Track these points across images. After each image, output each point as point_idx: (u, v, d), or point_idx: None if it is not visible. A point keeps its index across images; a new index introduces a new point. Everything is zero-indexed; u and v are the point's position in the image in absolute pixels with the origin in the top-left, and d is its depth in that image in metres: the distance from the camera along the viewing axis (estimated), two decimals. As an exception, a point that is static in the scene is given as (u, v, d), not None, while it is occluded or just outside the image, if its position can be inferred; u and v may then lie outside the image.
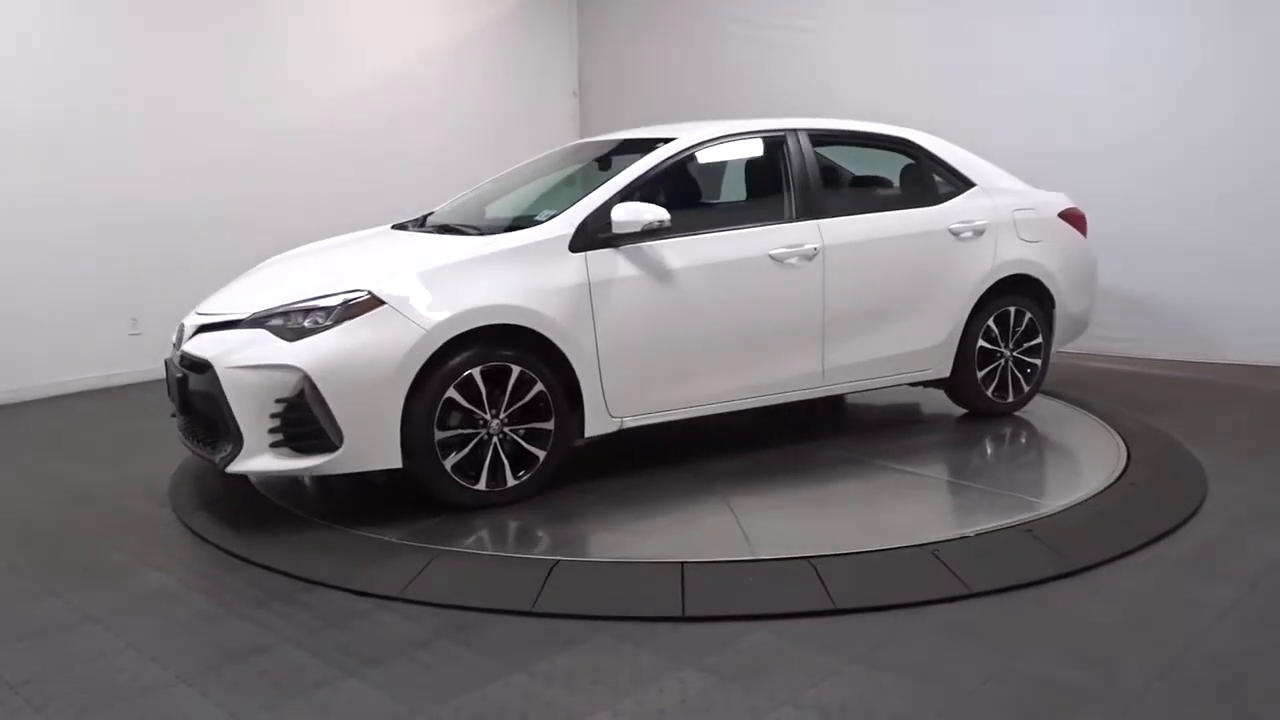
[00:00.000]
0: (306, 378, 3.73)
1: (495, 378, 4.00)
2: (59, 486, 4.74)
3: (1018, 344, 5.31)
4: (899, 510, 4.10)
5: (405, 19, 8.98)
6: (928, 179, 5.29)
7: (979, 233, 5.12)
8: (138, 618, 3.25)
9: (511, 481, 4.08)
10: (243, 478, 4.49)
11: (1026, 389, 5.40)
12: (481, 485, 4.03)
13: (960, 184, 5.26)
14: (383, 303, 3.86)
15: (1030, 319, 5.31)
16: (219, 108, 7.60)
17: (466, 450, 3.98)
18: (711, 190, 5.51)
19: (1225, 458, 4.69)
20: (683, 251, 4.41)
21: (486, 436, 4.02)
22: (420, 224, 5.02)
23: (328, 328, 3.81)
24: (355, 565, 3.56)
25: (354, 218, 6.17)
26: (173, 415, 4.32)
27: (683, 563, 3.42)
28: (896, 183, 5.41)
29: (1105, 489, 4.20)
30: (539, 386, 4.07)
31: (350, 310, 3.84)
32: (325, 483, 4.50)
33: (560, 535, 3.89)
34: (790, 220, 4.72)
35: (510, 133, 9.55)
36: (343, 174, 8.35)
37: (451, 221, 4.85)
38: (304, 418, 3.78)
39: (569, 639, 3.02)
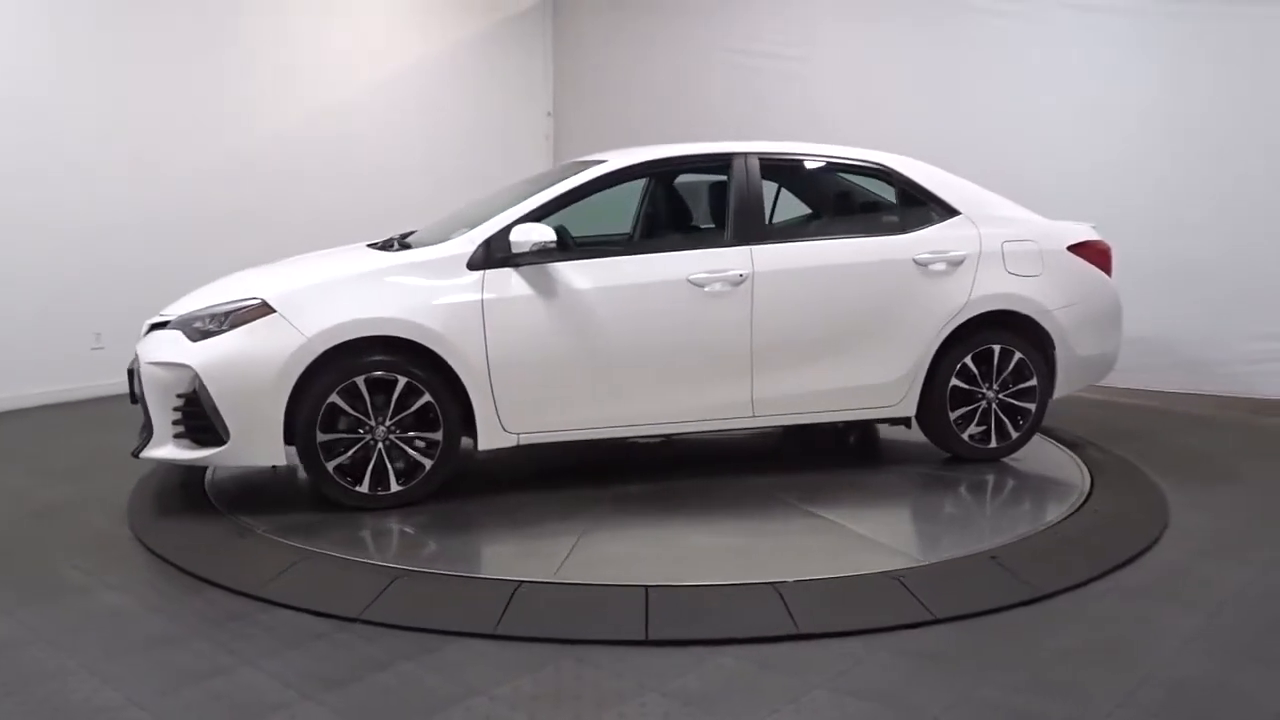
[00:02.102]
0: (197, 376, 4.06)
1: (385, 387, 4.19)
2: (15, 501, 4.64)
3: (1006, 386, 4.89)
4: (861, 535, 4.10)
5: (382, 36, 8.97)
6: (901, 206, 5.03)
7: (954, 264, 4.79)
8: (92, 637, 3.19)
9: (395, 487, 4.26)
10: (202, 494, 4.56)
11: (1014, 435, 4.96)
12: (364, 488, 4.23)
13: (942, 212, 4.93)
14: (273, 310, 4.14)
15: (1021, 360, 4.88)
16: (189, 124, 7.53)
17: (350, 453, 4.19)
18: (645, 214, 5.51)
19: (1189, 486, 4.74)
20: (591, 273, 4.43)
21: (372, 442, 4.20)
22: (400, 241, 4.97)
23: (222, 331, 4.14)
24: (316, 585, 3.51)
25: (326, 235, 6.14)
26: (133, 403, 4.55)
27: (647, 586, 3.40)
28: (862, 209, 5.31)
29: (1068, 516, 4.24)
30: (426, 397, 4.21)
31: (244, 316, 4.15)
32: (287, 501, 4.45)
33: (524, 557, 3.85)
34: (724, 245, 4.61)
35: (483, 151, 9.55)
36: (315, 191, 8.30)
37: (423, 240, 4.83)
38: (198, 412, 4.13)
39: (531, 662, 2.99)
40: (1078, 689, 2.83)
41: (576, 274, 4.41)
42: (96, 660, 3.02)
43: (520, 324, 4.32)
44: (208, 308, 4.28)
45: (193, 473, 4.87)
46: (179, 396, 4.15)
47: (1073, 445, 5.35)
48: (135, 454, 4.28)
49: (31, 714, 2.71)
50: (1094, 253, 5.12)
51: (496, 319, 4.28)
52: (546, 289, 4.36)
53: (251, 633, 3.20)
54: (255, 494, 4.57)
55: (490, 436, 4.35)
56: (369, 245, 5.02)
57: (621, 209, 5.60)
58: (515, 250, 4.29)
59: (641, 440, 5.16)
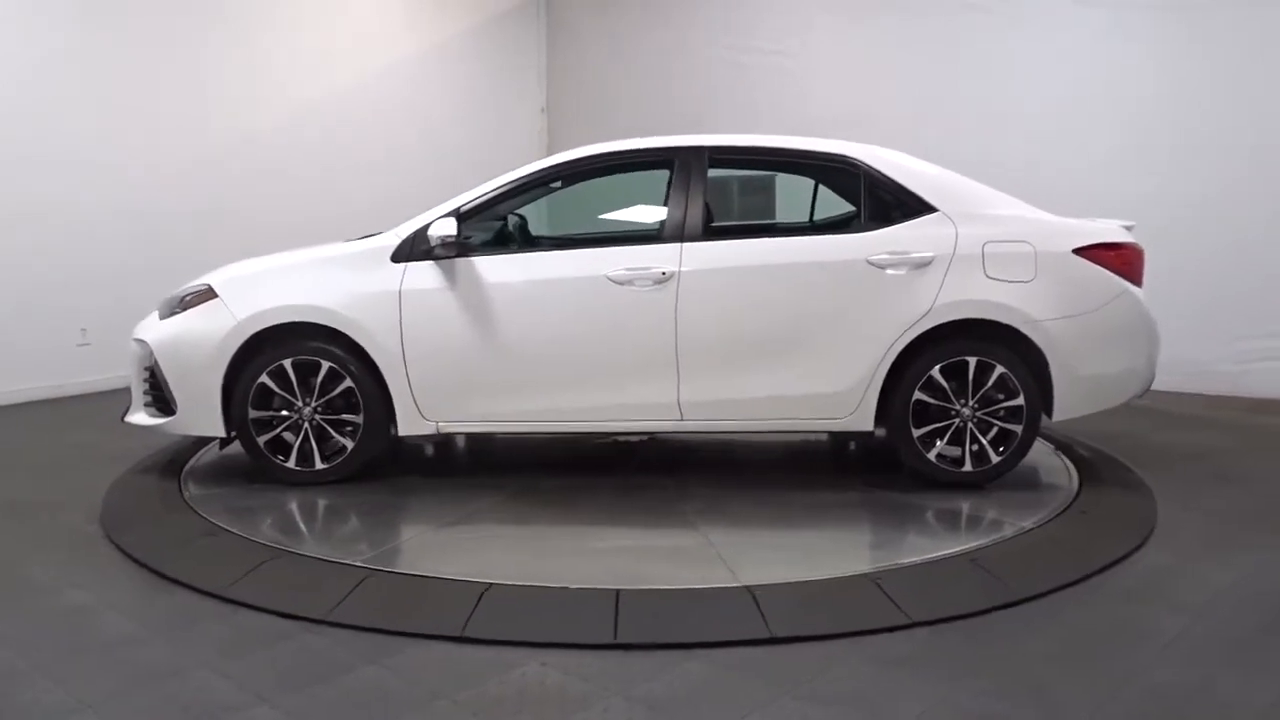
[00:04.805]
0: (153, 352, 4.53)
1: (315, 370, 4.49)
2: (-11, 499, 4.60)
3: (986, 403, 4.43)
4: (840, 535, 4.05)
5: (370, 30, 8.93)
6: (864, 202, 4.62)
7: (919, 266, 4.35)
8: (49, 637, 3.14)
9: (320, 465, 4.55)
10: (178, 492, 4.56)
11: (994, 460, 4.45)
12: (291, 464, 4.55)
13: (913, 209, 4.47)
14: (216, 295, 4.52)
15: (1003, 375, 4.39)
16: (175, 120, 7.50)
17: (277, 431, 4.53)
18: (580, 209, 5.47)
19: (1178, 487, 4.67)
20: (511, 269, 4.50)
21: (299, 421, 4.51)
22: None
23: (179, 312, 4.59)
24: (285, 586, 3.46)
25: (315, 231, 6.09)
26: None
27: (618, 589, 3.34)
28: (818, 205, 5.20)
29: (1054, 517, 4.17)
30: (347, 382, 4.46)
31: (195, 300, 4.58)
32: (263, 501, 4.41)
33: (495, 558, 3.78)
34: (658, 242, 4.47)
35: (476, 148, 9.51)
36: (304, 188, 8.27)
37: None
38: (157, 383, 4.60)
39: (497, 665, 2.93)
40: (1052, 694, 2.77)
41: (496, 269, 4.48)
42: (51, 660, 2.97)
43: (436, 315, 4.44)
44: (179, 292, 4.69)
45: (168, 472, 4.84)
46: (145, 369, 4.65)
47: (1060, 444, 5.28)
48: (121, 418, 4.79)
49: (-19, 717, 2.66)
50: (1113, 256, 4.45)
51: (413, 309, 4.43)
52: (464, 282, 4.45)
53: (215, 634, 3.14)
54: (231, 494, 4.52)
55: (409, 423, 4.51)
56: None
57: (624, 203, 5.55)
58: (433, 244, 4.40)
59: (624, 437, 5.13)
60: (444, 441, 5.45)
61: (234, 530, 3.99)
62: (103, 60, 7.10)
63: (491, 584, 3.40)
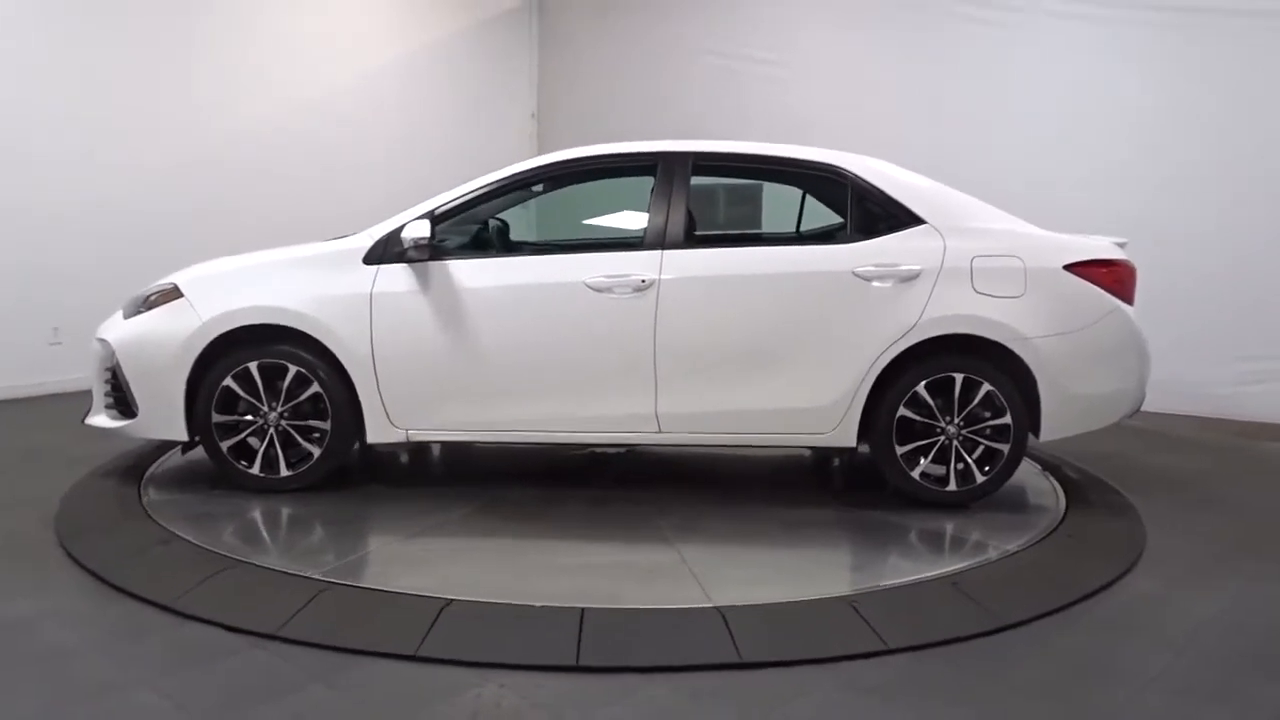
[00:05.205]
0: (114, 352, 4.38)
1: (282, 374, 4.35)
2: (-57, 501, 4.46)
3: (972, 421, 4.32)
4: (819, 555, 3.94)
5: (359, 32, 8.82)
6: (850, 212, 4.50)
7: (906, 279, 4.24)
8: (-15, 650, 2.99)
9: (285, 472, 4.39)
10: (137, 499, 4.39)
11: (980, 479, 4.34)
12: (255, 470, 4.40)
13: (901, 220, 4.36)
14: (182, 295, 4.38)
15: (990, 392, 4.27)
16: (157, 118, 7.38)
17: (242, 435, 4.39)
18: (567, 215, 5.37)
19: (1167, 511, 4.56)
20: (487, 273, 4.37)
21: (265, 427, 4.37)
22: None
23: (143, 312, 4.43)
24: (236, 598, 3.32)
25: (296, 232, 5.94)
26: None
27: (584, 608, 3.20)
28: (805, 215, 5.09)
29: (1039, 540, 4.05)
30: (315, 387, 4.32)
31: (160, 299, 4.43)
32: (224, 509, 4.27)
33: (455, 571, 3.63)
34: (639, 249, 4.34)
35: (464, 153, 9.39)
36: (285, 189, 8.16)
37: None
38: (119, 385, 4.44)
39: (452, 687, 2.79)
40: (1032, 729, 2.65)
41: (471, 273, 4.35)
42: (-18, 675, 2.82)
43: (408, 320, 4.30)
44: (145, 291, 4.53)
45: (129, 477, 4.70)
46: (107, 370, 4.48)
47: (1048, 464, 5.17)
48: (82, 420, 4.62)
49: (-98, 734, 2.52)
50: (1104, 274, 4.34)
51: (385, 313, 4.29)
52: (438, 287, 4.31)
53: (158, 648, 3.00)
54: (192, 500, 4.38)
55: (378, 430, 4.37)
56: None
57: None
58: (406, 246, 4.27)
59: (601, 449, 5.01)
60: (415, 450, 5.31)
61: (190, 539, 3.84)
62: (87, 58, 6.98)
63: (452, 600, 3.25)
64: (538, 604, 3.25)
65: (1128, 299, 4.41)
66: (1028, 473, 5.00)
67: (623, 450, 5.15)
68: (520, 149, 10.05)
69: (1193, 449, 5.92)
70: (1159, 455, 5.71)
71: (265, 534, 4.09)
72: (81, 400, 4.73)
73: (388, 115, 9.05)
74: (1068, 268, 4.31)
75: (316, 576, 3.47)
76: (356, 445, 4.50)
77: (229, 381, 4.34)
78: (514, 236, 5.36)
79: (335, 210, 7.96)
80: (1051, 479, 4.96)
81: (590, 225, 5.51)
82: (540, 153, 9.92)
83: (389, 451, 5.21)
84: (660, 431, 4.37)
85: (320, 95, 8.47)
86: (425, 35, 9.37)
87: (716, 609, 3.23)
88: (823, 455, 5.27)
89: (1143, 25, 6.75)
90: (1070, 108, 7.01)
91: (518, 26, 10.22)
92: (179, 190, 7.47)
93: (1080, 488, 4.81)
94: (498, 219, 5.12)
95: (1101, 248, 4.45)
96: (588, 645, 3.01)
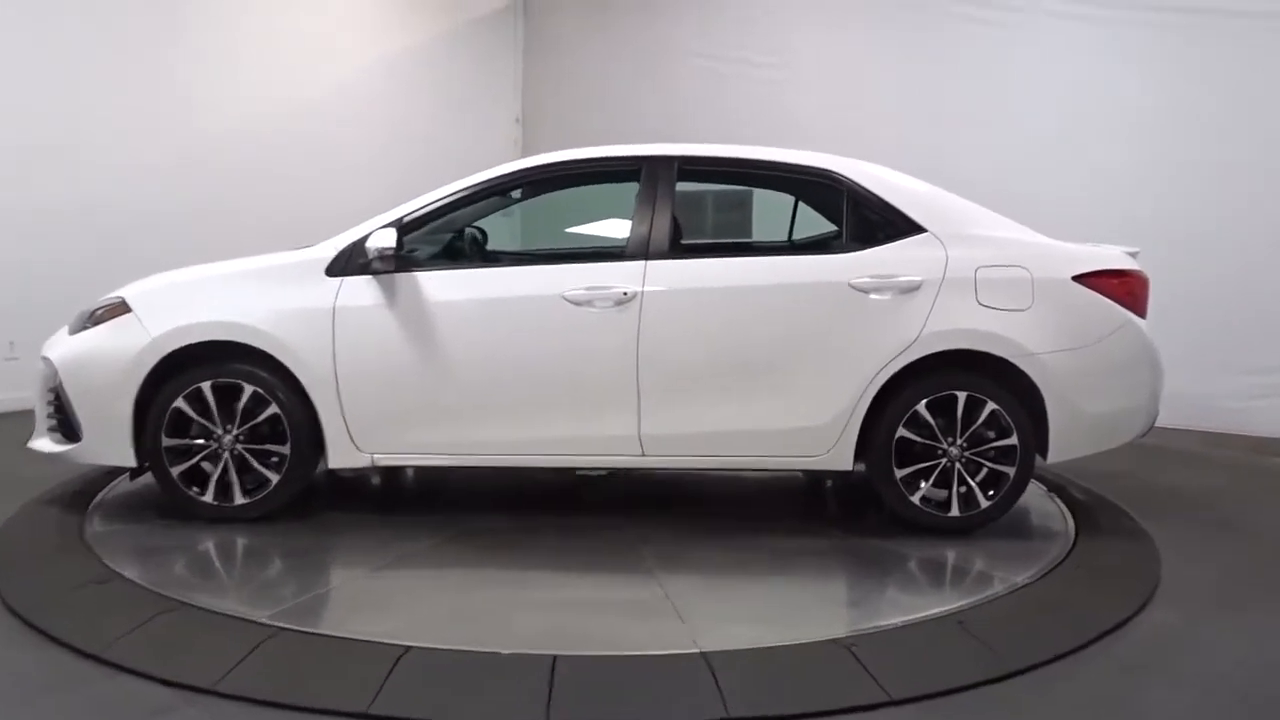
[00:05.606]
0: (57, 371, 4.06)
1: (235, 394, 4.04)
2: None
3: (976, 442, 4.06)
4: (814, 589, 3.67)
5: (350, 33, 8.59)
6: (847, 220, 4.27)
7: (906, 291, 4.01)
8: (-115, 708, 2.69)
9: (241, 500, 4.08)
10: (79, 536, 4.02)
11: (984, 504, 4.07)
12: (209, 498, 4.08)
13: (900, 229, 4.11)
14: (129, 309, 4.07)
15: (995, 411, 4.02)
16: (123, 128, 7.08)
17: (193, 460, 4.07)
18: (552, 224, 5.07)
19: (1182, 535, 4.30)
20: (457, 285, 4.11)
21: (219, 451, 4.05)
22: None
23: (89, 328, 4.12)
24: (173, 646, 3.01)
25: (273, 238, 5.65)
26: None
27: (555, 655, 2.91)
28: (798, 223, 4.85)
29: (1048, 571, 3.77)
30: (273, 408, 4.02)
31: (107, 314, 4.12)
32: (172, 544, 3.96)
33: (418, 611, 3.34)
34: (621, 259, 4.08)
35: (447, 157, 9.09)
36: (262, 194, 7.87)
37: None
38: (61, 406, 4.12)
39: (404, 751, 2.51)
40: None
41: (442, 286, 4.08)
42: None
43: (374, 336, 4.03)
44: (92, 306, 4.23)
45: (74, 504, 4.39)
46: (50, 390, 4.17)
47: (1054, 486, 4.89)
48: (27, 443, 4.29)
49: None
50: (1115, 285, 4.09)
51: (348, 329, 4.02)
52: (405, 300, 4.04)
53: (77, 705, 2.69)
54: (139, 531, 4.07)
55: (341, 454, 4.08)
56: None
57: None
58: (371, 257, 3.99)
59: (582, 472, 4.73)
60: (383, 475, 5.00)
61: (132, 576, 3.53)
62: (71, 57, 6.71)
63: (410, 647, 2.95)
64: (505, 651, 2.96)
65: (1140, 312, 4.17)
66: (1032, 494, 4.70)
67: (604, 473, 4.86)
68: (505, 153, 9.78)
69: (1204, 466, 5.67)
70: (1169, 473, 5.45)
71: (217, 568, 3.80)
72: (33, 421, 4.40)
73: (370, 118, 8.80)
74: (1077, 279, 4.07)
75: (264, 620, 3.17)
76: (319, 470, 4.21)
77: (180, 403, 4.04)
78: (492, 246, 5.08)
79: (312, 213, 7.62)
80: (1057, 500, 4.69)
81: (570, 234, 5.22)
82: (525, 157, 9.70)
83: (354, 477, 4.91)
84: (644, 455, 4.09)
85: (302, 97, 8.20)
86: (408, 37, 9.12)
87: (701, 654, 2.95)
88: (816, 478, 4.99)
89: (1143, 26, 6.55)
90: (1070, 108, 6.79)
91: (503, 28, 9.97)
92: (136, 198, 7.14)
93: (1088, 510, 4.55)
94: (474, 227, 4.83)
95: (1112, 257, 4.19)
96: (559, 700, 2.71)
